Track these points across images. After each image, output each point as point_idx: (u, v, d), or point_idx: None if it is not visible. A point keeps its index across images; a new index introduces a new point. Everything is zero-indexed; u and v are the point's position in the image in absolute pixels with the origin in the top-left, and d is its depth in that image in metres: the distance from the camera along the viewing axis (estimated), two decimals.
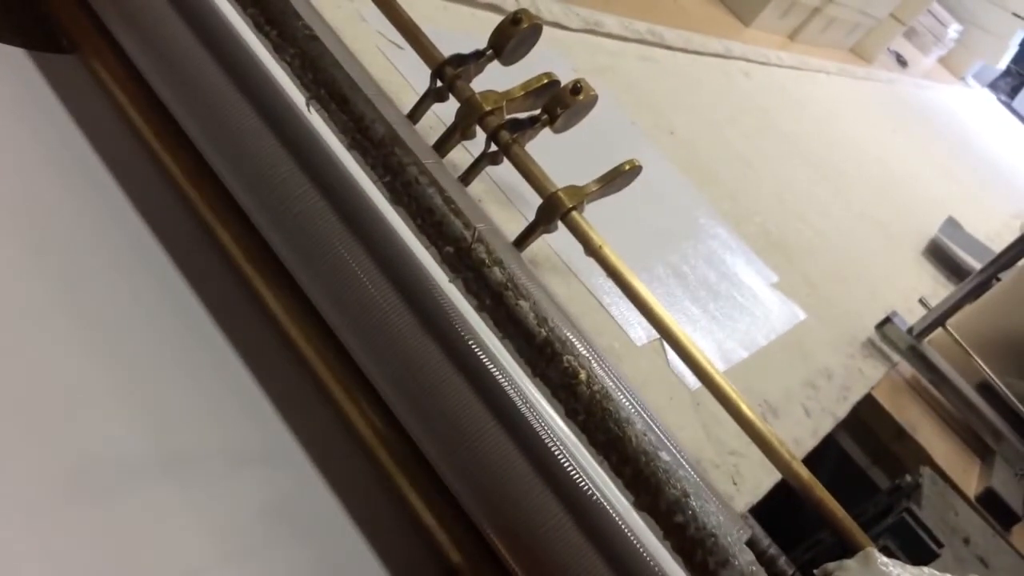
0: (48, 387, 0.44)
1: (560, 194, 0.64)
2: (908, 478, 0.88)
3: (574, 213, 0.64)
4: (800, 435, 0.87)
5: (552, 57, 1.12)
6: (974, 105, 4.35)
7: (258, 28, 0.53)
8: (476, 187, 0.73)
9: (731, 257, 1.08)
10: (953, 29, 3.62)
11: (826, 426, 0.92)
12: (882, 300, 1.32)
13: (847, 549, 0.58)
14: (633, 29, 1.42)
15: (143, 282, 0.52)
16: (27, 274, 0.47)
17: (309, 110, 0.52)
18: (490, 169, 0.68)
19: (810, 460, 0.84)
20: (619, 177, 0.69)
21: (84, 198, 0.53)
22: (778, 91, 1.95)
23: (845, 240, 1.47)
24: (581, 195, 0.65)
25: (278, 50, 0.53)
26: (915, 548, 0.69)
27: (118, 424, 0.45)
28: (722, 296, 0.99)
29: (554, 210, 0.64)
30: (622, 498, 0.46)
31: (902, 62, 3.37)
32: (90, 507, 0.42)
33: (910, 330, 1.16)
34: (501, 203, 0.81)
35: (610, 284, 0.64)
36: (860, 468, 1.09)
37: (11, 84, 0.55)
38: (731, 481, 0.72)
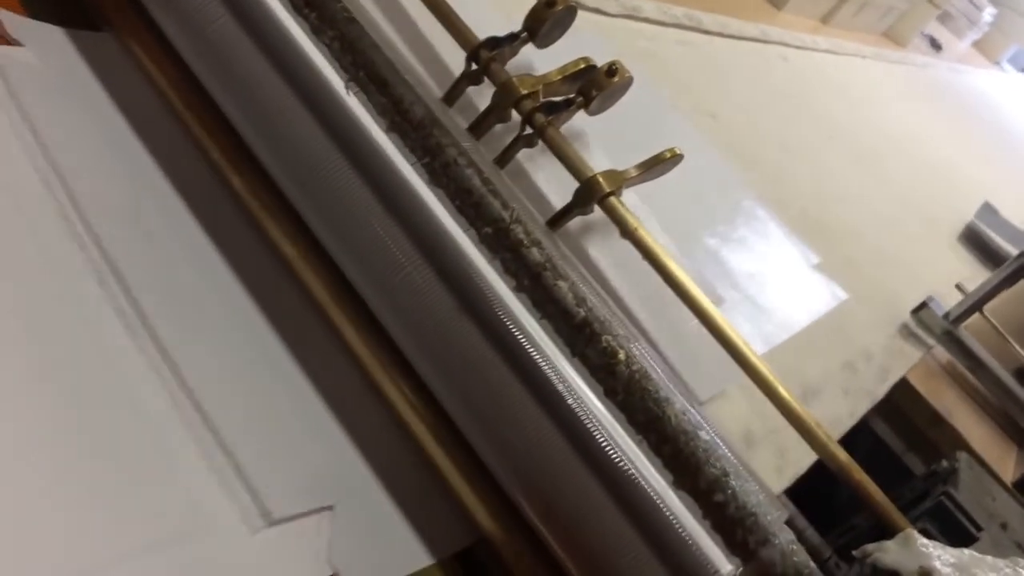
0: (89, 369, 0.44)
1: (599, 178, 0.64)
2: (944, 463, 0.87)
3: (612, 198, 0.64)
4: (839, 415, 0.89)
5: (593, 42, 1.12)
6: (1009, 90, 4.29)
7: (296, 11, 0.54)
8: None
9: (772, 239, 1.08)
10: (988, 12, 3.57)
11: (864, 406, 0.93)
12: (917, 286, 1.31)
13: (884, 533, 0.58)
14: (671, 14, 1.42)
15: (181, 260, 0.52)
16: (65, 252, 0.48)
17: (348, 93, 0.52)
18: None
19: (845, 445, 0.83)
20: (660, 164, 0.69)
21: (121, 176, 0.54)
22: (815, 75, 1.94)
23: (882, 225, 1.47)
24: (620, 180, 0.65)
25: (316, 32, 0.53)
26: (954, 532, 0.68)
27: (155, 397, 0.46)
28: (764, 277, 0.98)
29: (592, 194, 0.64)
30: (659, 478, 0.46)
31: (936, 46, 3.32)
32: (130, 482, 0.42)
33: (946, 315, 1.15)
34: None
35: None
36: (895, 454, 1.08)
37: (48, 62, 0.56)
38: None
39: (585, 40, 1.04)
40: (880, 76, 2.45)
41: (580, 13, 1.12)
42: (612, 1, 1.26)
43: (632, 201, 0.65)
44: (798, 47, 1.95)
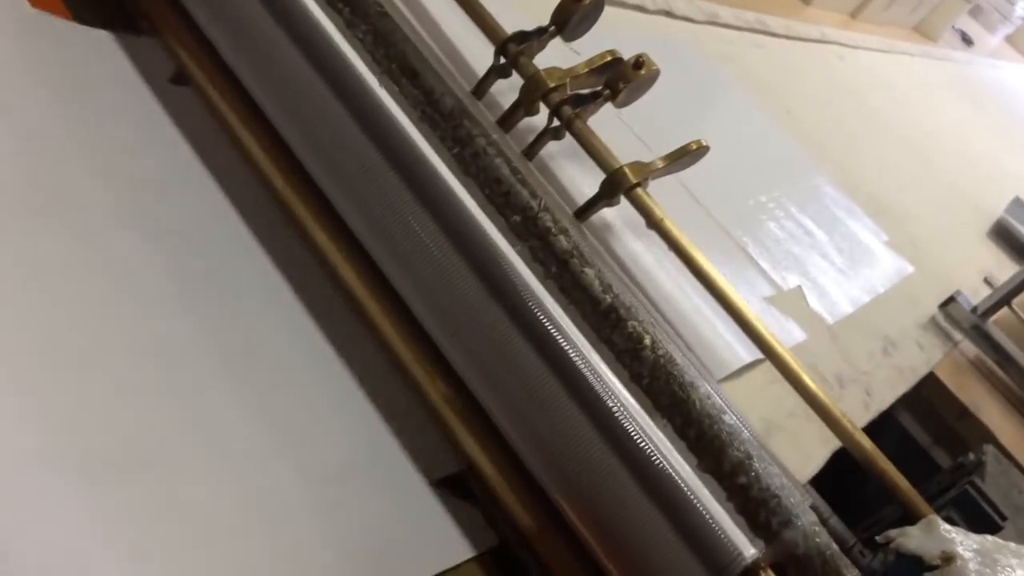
0: (155, 371, 0.46)
1: (625, 169, 0.64)
2: (971, 456, 0.87)
3: (638, 189, 0.65)
4: (916, 364, 1.04)
5: (685, 48, 1.30)
6: None
7: (330, 5, 0.55)
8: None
9: (849, 217, 1.28)
10: (1021, 6, 3.53)
11: (937, 357, 1.09)
12: (966, 266, 1.41)
13: (908, 522, 0.58)
14: (744, 19, 1.61)
15: (225, 253, 0.54)
16: (114, 242, 0.49)
17: (381, 86, 0.54)
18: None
19: (871, 438, 0.84)
20: (686, 156, 0.70)
21: (171, 175, 0.55)
22: (868, 73, 2.12)
23: (935, 211, 1.61)
24: (646, 171, 0.66)
25: (350, 27, 0.54)
26: (978, 520, 0.68)
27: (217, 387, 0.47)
28: (845, 251, 1.17)
29: (618, 185, 0.65)
30: (683, 462, 0.47)
31: (967, 41, 3.29)
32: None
33: (974, 309, 1.14)
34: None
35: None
36: (922, 448, 1.08)
37: (98, 67, 0.57)
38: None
39: (676, 48, 1.15)
40: (919, 72, 2.50)
41: (672, 21, 1.35)
42: (697, 10, 1.45)
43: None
44: (852, 47, 2.13)
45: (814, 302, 0.98)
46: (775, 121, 1.36)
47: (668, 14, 1.33)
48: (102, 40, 0.59)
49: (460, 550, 0.50)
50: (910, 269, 1.24)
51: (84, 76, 0.56)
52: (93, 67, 0.57)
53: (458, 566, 0.49)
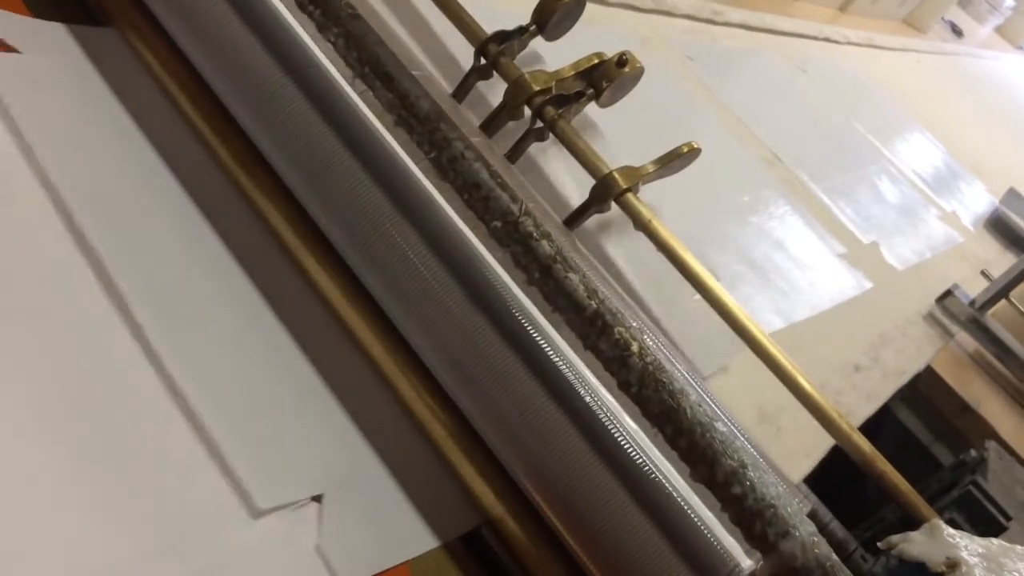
0: (87, 369, 0.44)
1: (615, 174, 0.63)
2: (973, 453, 0.85)
3: (628, 194, 0.63)
4: None
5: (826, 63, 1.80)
6: None
7: (300, 8, 0.53)
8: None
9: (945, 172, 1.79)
10: None
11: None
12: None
13: (910, 524, 0.57)
14: (843, 35, 2.10)
15: (183, 254, 0.52)
16: (62, 252, 0.48)
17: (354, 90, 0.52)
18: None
19: (871, 435, 0.82)
20: (677, 159, 0.68)
21: (128, 171, 0.53)
22: (944, 71, 2.67)
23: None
24: (636, 176, 0.64)
25: (321, 29, 0.53)
26: (982, 521, 0.67)
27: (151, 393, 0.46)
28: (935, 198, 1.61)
29: (608, 191, 0.63)
30: (675, 471, 0.45)
31: (957, 32, 3.28)
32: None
33: (972, 303, 1.13)
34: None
35: None
36: (923, 444, 1.07)
37: (52, 59, 0.55)
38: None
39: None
40: (915, 65, 2.55)
41: (828, 45, 1.96)
42: (841, 35, 2.05)
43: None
44: (920, 51, 2.62)
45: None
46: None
47: (828, 40, 1.98)
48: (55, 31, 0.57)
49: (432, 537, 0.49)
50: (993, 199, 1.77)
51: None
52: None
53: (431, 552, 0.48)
